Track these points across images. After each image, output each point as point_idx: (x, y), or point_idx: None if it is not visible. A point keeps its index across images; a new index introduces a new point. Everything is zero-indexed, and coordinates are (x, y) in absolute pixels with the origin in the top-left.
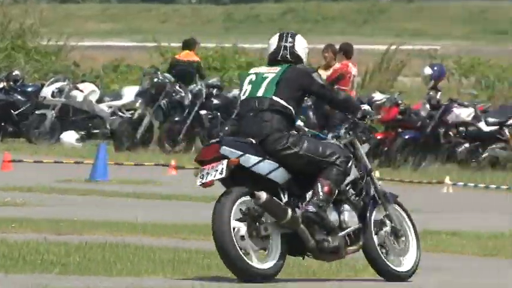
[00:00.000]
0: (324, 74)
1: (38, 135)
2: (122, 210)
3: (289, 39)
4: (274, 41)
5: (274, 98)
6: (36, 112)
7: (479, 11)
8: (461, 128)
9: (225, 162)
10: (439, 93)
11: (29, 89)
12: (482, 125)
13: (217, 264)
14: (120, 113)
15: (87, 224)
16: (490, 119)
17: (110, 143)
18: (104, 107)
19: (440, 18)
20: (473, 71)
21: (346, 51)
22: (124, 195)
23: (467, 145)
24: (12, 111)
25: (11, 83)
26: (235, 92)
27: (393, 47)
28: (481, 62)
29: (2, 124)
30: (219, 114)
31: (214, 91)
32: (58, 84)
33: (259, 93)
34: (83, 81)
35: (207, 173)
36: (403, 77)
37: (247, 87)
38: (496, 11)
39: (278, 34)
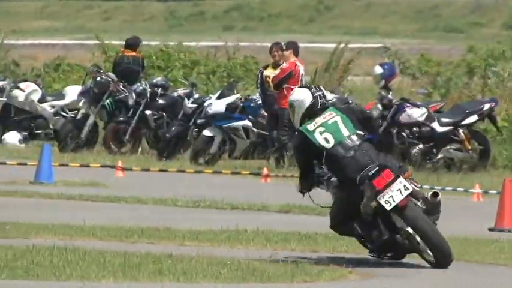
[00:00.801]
0: (273, 73)
1: None
2: (69, 213)
3: (318, 90)
4: (306, 95)
5: (358, 132)
6: None
7: (429, 8)
8: (414, 129)
9: (401, 179)
10: (391, 92)
11: None
12: (435, 126)
13: (168, 268)
14: (63, 113)
15: (34, 228)
16: (444, 119)
17: (53, 143)
18: (47, 107)
19: (389, 15)
20: (425, 70)
21: (294, 49)
22: (71, 197)
23: (421, 146)
24: None
25: None
26: (181, 91)
27: (342, 45)
28: (431, 60)
29: None
30: (164, 114)
31: (159, 91)
32: None
33: (345, 134)
34: (24, 80)
35: (391, 196)
36: (353, 76)
37: (325, 137)
38: (447, 7)
39: (306, 89)
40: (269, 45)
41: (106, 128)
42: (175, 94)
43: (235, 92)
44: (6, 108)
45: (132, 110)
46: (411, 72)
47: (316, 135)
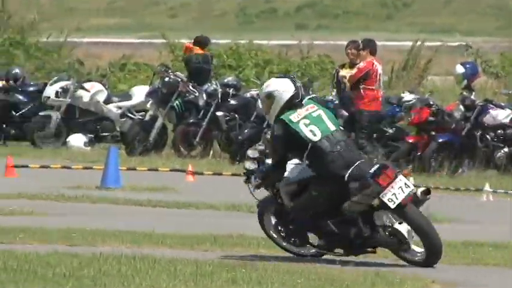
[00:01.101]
0: (349, 72)
1: (43, 138)
2: (137, 219)
3: (297, 81)
4: (288, 86)
5: (341, 127)
6: (40, 113)
7: None
8: (499, 131)
9: (401, 176)
10: (473, 93)
11: (31, 89)
12: None
13: (242, 277)
14: (130, 115)
15: (100, 235)
16: None
17: (120, 146)
18: (113, 108)
19: (470, 12)
20: (508, 69)
21: (371, 48)
22: (139, 203)
23: (506, 149)
24: (13, 112)
25: (11, 82)
26: (253, 92)
27: (419, 43)
28: None
29: (4, 126)
30: (237, 116)
31: (231, 91)
32: (62, 84)
33: (332, 129)
34: (88, 80)
35: (393, 194)
36: (433, 75)
37: (311, 129)
38: None
39: (288, 80)
40: (344, 43)
41: (175, 130)
42: (248, 95)
43: (310, 92)
44: (71, 110)
45: (202, 111)
46: (494, 72)
47: (302, 126)
